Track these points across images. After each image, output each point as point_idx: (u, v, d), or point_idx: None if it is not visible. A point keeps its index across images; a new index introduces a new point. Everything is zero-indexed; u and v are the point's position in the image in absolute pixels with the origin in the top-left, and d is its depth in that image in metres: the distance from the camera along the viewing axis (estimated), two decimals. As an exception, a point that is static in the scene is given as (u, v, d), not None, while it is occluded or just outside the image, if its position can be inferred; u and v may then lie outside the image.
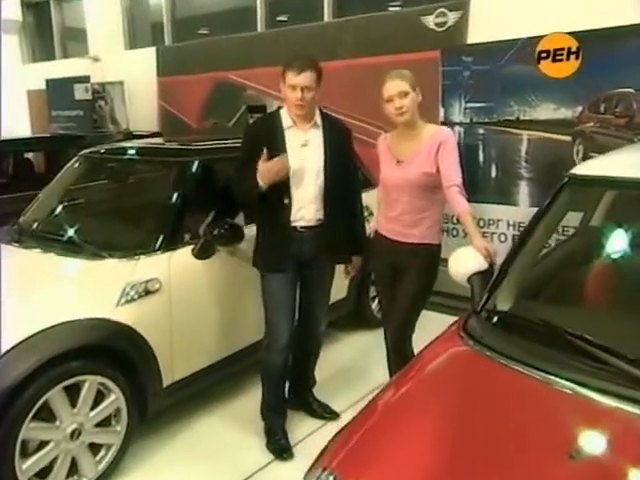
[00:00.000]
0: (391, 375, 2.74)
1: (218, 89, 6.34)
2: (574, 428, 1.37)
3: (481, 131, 4.23)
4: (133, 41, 7.84)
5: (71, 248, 2.78)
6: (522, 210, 4.14)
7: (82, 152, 3.43)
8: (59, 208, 3.20)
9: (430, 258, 2.55)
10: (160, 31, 7.33)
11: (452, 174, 2.38)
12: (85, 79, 7.44)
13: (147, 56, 7.04)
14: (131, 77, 7.20)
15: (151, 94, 7.01)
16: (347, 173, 2.72)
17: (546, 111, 3.92)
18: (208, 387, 3.02)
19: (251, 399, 2.99)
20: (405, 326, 2.58)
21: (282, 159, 2.46)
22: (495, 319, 1.72)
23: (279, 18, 6.35)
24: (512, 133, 4.11)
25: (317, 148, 2.58)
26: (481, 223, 4.26)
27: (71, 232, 2.90)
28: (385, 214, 2.64)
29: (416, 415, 1.46)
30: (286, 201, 2.53)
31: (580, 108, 3.78)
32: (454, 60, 4.29)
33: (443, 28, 4.76)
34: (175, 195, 2.83)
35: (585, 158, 3.81)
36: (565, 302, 1.77)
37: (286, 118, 2.58)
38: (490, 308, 1.76)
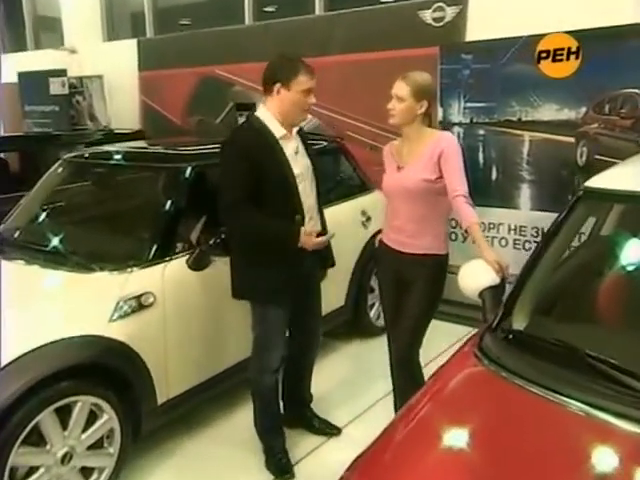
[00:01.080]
0: (395, 389, 2.75)
1: (203, 85, 6.29)
2: (598, 454, 1.39)
3: (481, 132, 4.25)
4: (112, 32, 7.75)
5: (57, 259, 2.75)
6: (524, 214, 4.18)
7: (66, 156, 3.39)
8: (43, 216, 3.17)
9: (437, 269, 2.56)
10: (141, 22, 7.25)
11: (457, 183, 2.39)
12: (61, 72, 7.30)
13: (127, 49, 6.96)
14: (111, 71, 7.10)
15: (132, 89, 6.94)
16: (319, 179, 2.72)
17: (549, 112, 3.95)
18: (203, 403, 3.01)
19: (248, 415, 2.96)
20: (412, 341, 2.58)
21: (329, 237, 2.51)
22: (511, 338, 1.73)
23: (266, 9, 6.32)
24: (513, 134, 4.14)
25: (304, 155, 2.59)
26: (481, 227, 4.28)
27: (57, 242, 2.88)
28: (389, 223, 2.64)
29: (436, 442, 1.46)
30: (298, 218, 2.46)
31: (584, 109, 3.81)
32: (453, 58, 4.30)
33: (441, 23, 4.77)
34: (168, 203, 2.81)
35: (589, 160, 3.86)
36: (583, 320, 1.79)
37: (275, 127, 2.47)
38: (506, 326, 1.77)
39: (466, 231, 2.33)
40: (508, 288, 2.10)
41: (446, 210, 2.55)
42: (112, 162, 3.19)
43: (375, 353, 3.87)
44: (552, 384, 1.52)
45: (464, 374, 1.69)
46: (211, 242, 2.73)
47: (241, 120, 5.23)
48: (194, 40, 6.36)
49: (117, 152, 3.25)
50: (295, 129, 2.57)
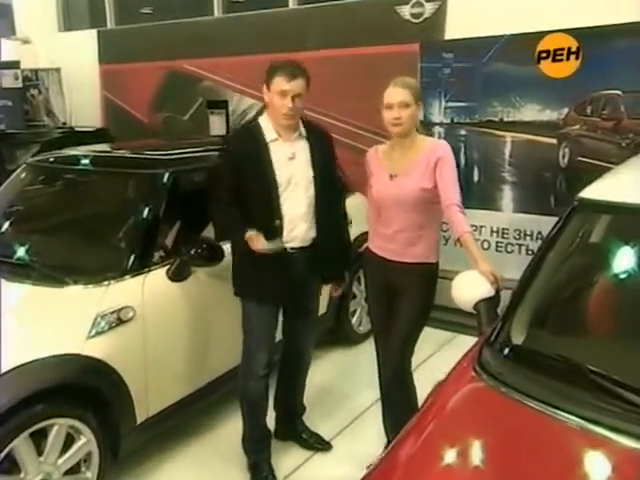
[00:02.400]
0: (386, 400, 2.77)
1: (171, 79, 6.24)
2: (604, 472, 1.44)
3: (462, 132, 4.33)
4: (68, 21, 7.58)
5: (25, 272, 2.69)
6: (506, 216, 4.27)
7: (29, 160, 3.32)
8: (7, 225, 3.09)
9: (428, 278, 2.60)
10: (100, 10, 7.10)
11: (451, 192, 2.43)
12: (14, 64, 7.12)
13: (87, 40, 6.85)
14: (69, 63, 6.95)
15: (92, 83, 6.83)
16: (332, 184, 2.75)
17: (531, 112, 4.05)
18: (186, 418, 3.00)
19: (232, 429, 2.99)
20: (405, 352, 2.62)
21: (277, 245, 2.47)
22: (511, 353, 1.78)
23: (236, 0, 6.29)
24: (495, 135, 4.23)
25: (304, 160, 2.59)
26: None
27: (24, 253, 2.81)
28: (378, 232, 2.66)
29: (443, 462, 1.50)
30: (277, 222, 2.50)
31: (566, 110, 3.92)
32: (434, 56, 4.36)
33: (419, 20, 4.83)
34: (146, 210, 2.79)
35: (571, 162, 3.97)
36: (583, 333, 1.85)
37: (269, 130, 2.54)
38: (505, 341, 1.82)
39: (458, 240, 2.36)
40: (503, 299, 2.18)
41: (439, 218, 2.59)
42: (82, 167, 3.14)
43: (358, 361, 3.93)
44: (554, 401, 1.57)
45: (465, 391, 1.73)
46: (193, 252, 2.71)
47: (212, 118, 5.23)
48: (160, 32, 6.27)
49: (88, 156, 3.20)
50: (295, 134, 2.57)
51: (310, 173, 2.58)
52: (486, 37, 4.13)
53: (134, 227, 2.79)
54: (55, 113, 6.99)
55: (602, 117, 3.80)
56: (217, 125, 5.21)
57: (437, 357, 3.83)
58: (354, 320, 4.07)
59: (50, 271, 2.66)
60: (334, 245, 2.72)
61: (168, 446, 3.00)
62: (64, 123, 6.83)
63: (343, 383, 3.66)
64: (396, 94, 2.45)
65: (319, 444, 2.99)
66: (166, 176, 2.86)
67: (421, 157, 2.51)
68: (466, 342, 4.00)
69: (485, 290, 2.11)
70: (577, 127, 3.90)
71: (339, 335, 4.00)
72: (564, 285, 1.97)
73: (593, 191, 2.03)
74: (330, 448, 2.99)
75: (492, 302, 2.11)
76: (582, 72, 3.79)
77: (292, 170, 2.54)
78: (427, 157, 2.50)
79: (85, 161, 3.18)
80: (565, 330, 1.86)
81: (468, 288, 2.15)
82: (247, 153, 2.51)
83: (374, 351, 4.00)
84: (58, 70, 7.01)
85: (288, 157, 2.54)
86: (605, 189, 2.04)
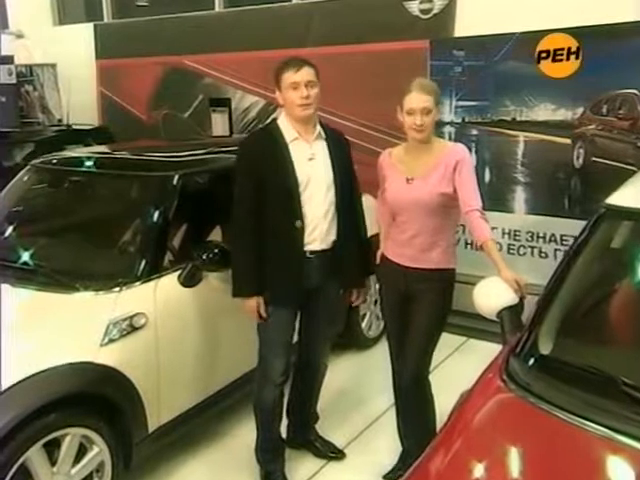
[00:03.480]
0: (402, 409, 2.79)
1: (170, 76, 6.23)
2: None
3: (474, 132, 4.35)
4: (63, 15, 7.57)
5: (35, 279, 2.70)
6: (518, 217, 4.30)
7: (34, 161, 3.32)
8: (12, 229, 3.10)
9: (445, 284, 2.62)
10: (96, 4, 7.09)
11: (471, 197, 2.45)
12: (8, 59, 7.11)
13: (83, 34, 6.82)
14: (64, 58, 6.93)
15: (89, 79, 6.81)
16: (352, 188, 2.77)
17: (544, 112, 4.07)
18: (196, 426, 3.02)
19: (244, 437, 3.01)
20: (423, 361, 2.64)
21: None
22: (540, 363, 1.81)
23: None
24: (508, 134, 4.25)
25: (324, 161, 2.61)
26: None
27: (35, 259, 2.82)
28: (394, 237, 2.68)
29: (479, 477, 1.52)
30: (298, 223, 2.52)
31: (581, 109, 3.95)
32: (444, 54, 4.38)
33: (428, 15, 4.84)
34: (156, 214, 2.80)
35: (586, 162, 4.00)
36: (614, 343, 1.87)
37: (288, 130, 2.58)
38: (532, 351, 1.84)
39: (481, 247, 2.39)
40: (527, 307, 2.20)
41: (456, 222, 2.63)
42: (91, 169, 3.15)
43: (369, 366, 3.95)
44: (586, 412, 1.59)
45: (494, 403, 1.75)
46: (205, 257, 2.73)
47: (214, 116, 5.24)
48: (159, 26, 6.25)
49: (95, 158, 3.21)
50: (314, 134, 2.60)
51: (330, 174, 2.61)
52: (498, 34, 4.15)
53: (145, 231, 2.80)
54: (50, 110, 6.98)
55: (618, 116, 3.83)
56: (219, 124, 5.23)
57: (450, 362, 3.86)
58: (364, 324, 4.09)
59: (59, 277, 2.67)
60: (354, 249, 2.75)
61: (179, 455, 3.02)
62: (60, 120, 6.80)
63: (354, 389, 3.68)
64: (419, 100, 2.46)
65: (333, 453, 3.01)
66: (177, 178, 2.88)
67: (439, 160, 2.53)
68: (478, 347, 4.13)
69: (509, 298, 2.14)
70: (592, 127, 3.93)
71: (348, 339, 4.01)
72: (592, 293, 2.00)
73: (620, 197, 2.05)
74: (344, 457, 3.01)
75: (516, 310, 2.14)
76: (593, 71, 3.82)
77: (312, 171, 2.56)
78: (445, 160, 2.52)
79: (93, 163, 3.18)
80: (594, 340, 1.88)
81: (491, 296, 2.17)
82: (266, 154, 2.54)
83: (384, 356, 4.04)
84: (53, 66, 6.99)
85: (308, 157, 2.57)
86: (632, 195, 2.07)
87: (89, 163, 3.20)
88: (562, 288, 1.95)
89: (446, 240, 2.60)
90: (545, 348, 1.85)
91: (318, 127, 2.63)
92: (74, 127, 5.99)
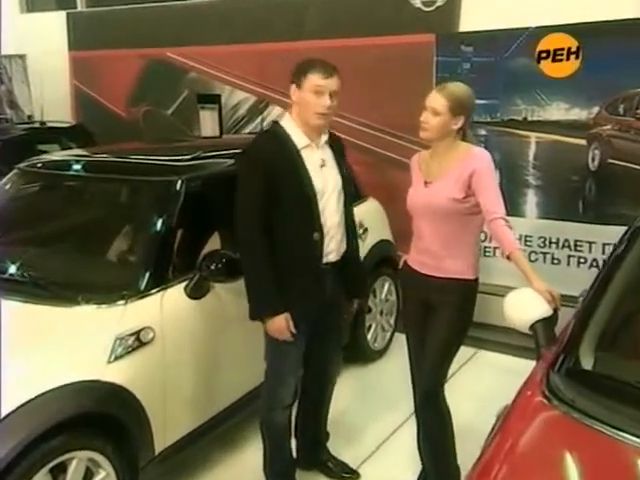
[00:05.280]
0: (420, 429, 2.85)
1: (152, 69, 6.25)
2: None
3: (483, 132, 4.42)
4: (31, 1, 7.51)
5: (32, 292, 2.68)
6: (529, 222, 4.40)
7: (21, 165, 3.32)
8: (4, 238, 3.09)
9: (466, 296, 2.68)
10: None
11: (494, 205, 2.51)
12: (-28, 50, 7.07)
13: (54, 23, 6.82)
14: (34, 49, 6.90)
15: (62, 72, 6.79)
16: (348, 194, 2.83)
17: (557, 111, 4.18)
18: (202, 446, 3.04)
19: (252, 455, 3.04)
20: (435, 377, 2.69)
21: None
22: (582, 378, 1.88)
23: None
24: (518, 135, 4.35)
25: (332, 167, 2.67)
26: (482, 236, 4.46)
27: (29, 270, 2.81)
28: (414, 244, 2.75)
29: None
30: (316, 235, 2.56)
31: (596, 109, 4.05)
32: (451, 49, 4.47)
33: (431, 8, 4.92)
34: (160, 222, 2.82)
35: (602, 165, 4.11)
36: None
37: (298, 135, 2.58)
38: (574, 366, 1.91)
39: (508, 258, 2.45)
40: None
41: (477, 231, 2.69)
42: (87, 174, 3.16)
43: (377, 380, 4.02)
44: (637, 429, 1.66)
45: (540, 422, 1.81)
46: (213, 267, 2.76)
47: (203, 114, 5.24)
48: (140, 16, 6.27)
49: (91, 161, 3.22)
50: (323, 139, 2.64)
51: (339, 181, 2.67)
52: (509, 29, 4.23)
53: (149, 241, 2.81)
54: (20, 105, 6.94)
55: (636, 116, 3.94)
56: (208, 122, 5.21)
57: (462, 374, 3.93)
58: (370, 336, 4.15)
59: (57, 289, 2.67)
60: (356, 258, 2.85)
61: (183, 474, 3.04)
62: (30, 117, 6.77)
63: (363, 405, 3.73)
64: (432, 99, 2.57)
65: (346, 473, 3.06)
66: (181, 183, 2.90)
67: (455, 165, 2.60)
68: (489, 358, 4.19)
69: (542, 310, 2.20)
70: (608, 127, 4.04)
71: (355, 352, 4.06)
72: (633, 307, 2.08)
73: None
74: (358, 477, 3.06)
75: (550, 322, 2.20)
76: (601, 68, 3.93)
77: (324, 178, 2.61)
78: (462, 166, 2.58)
79: (89, 167, 3.20)
80: (637, 354, 1.96)
81: (523, 308, 2.24)
82: (279, 162, 2.52)
83: (391, 369, 4.12)
84: (23, 57, 6.97)
85: (319, 164, 2.61)
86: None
87: (85, 167, 3.21)
88: (602, 301, 2.02)
89: (465, 249, 2.65)
90: (587, 363, 1.92)
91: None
92: (49, 125, 5.93)
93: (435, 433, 2.79)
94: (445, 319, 2.66)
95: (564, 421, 1.77)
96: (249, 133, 5.73)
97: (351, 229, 2.83)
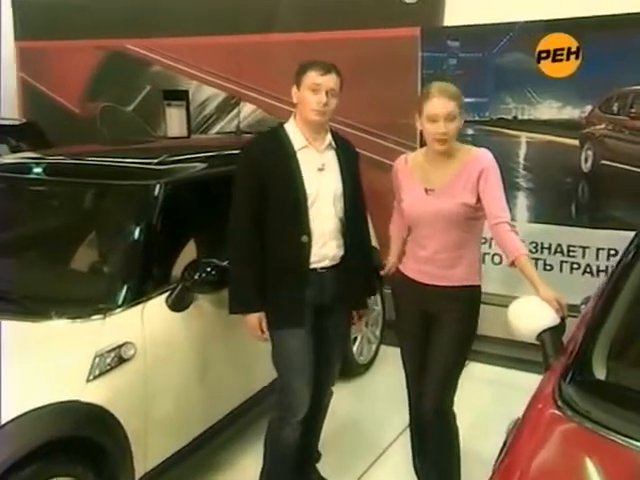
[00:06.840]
0: (421, 449, 2.92)
1: (110, 62, 6.24)
2: None
3: (470, 131, 4.54)
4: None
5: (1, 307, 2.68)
6: (520, 226, 4.42)
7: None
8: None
9: (471, 302, 2.77)
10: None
11: (499, 209, 2.61)
12: None
13: (-2, 10, 6.73)
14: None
15: (7, 64, 6.70)
16: (359, 202, 2.93)
17: (549, 110, 4.32)
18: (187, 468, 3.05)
19: (242, 475, 3.08)
20: (446, 392, 2.76)
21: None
22: (596, 389, 1.97)
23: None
24: (508, 135, 4.48)
25: (334, 172, 2.76)
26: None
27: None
28: (413, 254, 2.81)
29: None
30: (304, 239, 2.66)
31: (589, 107, 4.20)
32: (437, 44, 4.58)
33: (414, 0, 5.03)
34: (138, 229, 2.84)
35: (595, 166, 4.26)
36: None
37: (297, 136, 2.71)
38: (589, 376, 2.00)
39: (512, 264, 2.54)
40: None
41: (480, 235, 2.79)
42: (59, 177, 3.15)
43: (362, 396, 4.09)
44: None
45: (556, 435, 1.89)
46: (197, 277, 2.79)
47: (169, 111, 5.27)
48: (96, 4, 6.21)
49: (55, 163, 3.21)
50: (326, 142, 2.74)
51: (340, 186, 2.75)
52: (498, 24, 4.36)
53: (128, 249, 2.83)
54: (-41, 100, 6.82)
55: (630, 115, 4.09)
56: (176, 120, 5.23)
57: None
58: (355, 348, 4.21)
59: (37, 305, 2.68)
60: (360, 267, 2.90)
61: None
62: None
63: (351, 421, 3.79)
64: (442, 105, 2.56)
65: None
66: (162, 187, 2.93)
67: (462, 168, 2.67)
68: (479, 370, 4.29)
69: (549, 319, 2.29)
70: (602, 127, 4.19)
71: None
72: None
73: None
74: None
75: (557, 331, 2.29)
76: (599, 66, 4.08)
77: (321, 182, 2.70)
78: (469, 168, 2.65)
79: (57, 170, 3.19)
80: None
81: (530, 317, 2.32)
82: (272, 162, 2.67)
83: (377, 384, 4.19)
84: (-38, 47, 6.85)
85: (318, 168, 2.71)
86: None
87: (55, 170, 3.21)
88: (612, 310, 2.12)
89: (470, 255, 2.75)
90: (600, 373, 2.02)
91: (329, 136, 2.78)
92: (-7, 122, 5.85)
93: (442, 454, 2.85)
94: (451, 329, 2.73)
95: (581, 433, 1.84)
96: (217, 133, 5.78)
97: (358, 236, 2.89)
